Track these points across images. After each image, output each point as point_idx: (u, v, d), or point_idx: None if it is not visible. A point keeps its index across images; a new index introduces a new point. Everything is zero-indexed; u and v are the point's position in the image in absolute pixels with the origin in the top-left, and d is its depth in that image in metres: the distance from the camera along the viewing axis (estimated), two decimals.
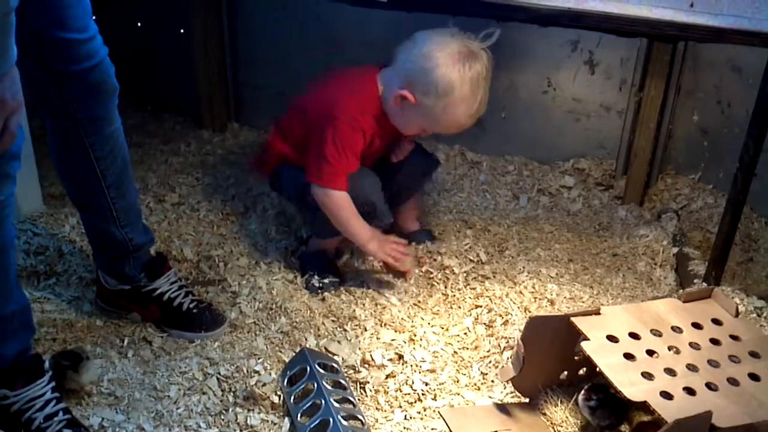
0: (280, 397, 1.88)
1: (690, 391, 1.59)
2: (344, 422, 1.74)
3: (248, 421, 1.82)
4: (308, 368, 1.88)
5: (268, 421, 1.83)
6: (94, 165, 1.87)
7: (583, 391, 1.74)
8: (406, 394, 1.93)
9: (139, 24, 3.20)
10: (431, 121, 2.15)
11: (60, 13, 1.66)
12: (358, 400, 1.90)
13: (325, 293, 2.25)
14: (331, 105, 2.15)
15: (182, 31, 3.09)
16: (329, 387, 1.84)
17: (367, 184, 2.23)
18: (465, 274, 2.37)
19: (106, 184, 1.91)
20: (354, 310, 2.19)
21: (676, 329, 1.78)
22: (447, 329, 2.16)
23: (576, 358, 1.86)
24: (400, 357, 2.03)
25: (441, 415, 1.81)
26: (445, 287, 2.31)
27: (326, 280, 2.28)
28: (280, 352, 2.04)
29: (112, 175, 1.91)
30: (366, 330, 2.13)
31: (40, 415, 1.71)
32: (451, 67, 2.04)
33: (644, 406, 1.56)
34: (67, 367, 1.83)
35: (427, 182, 2.67)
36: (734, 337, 1.78)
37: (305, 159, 2.20)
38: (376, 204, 2.24)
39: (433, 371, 2.00)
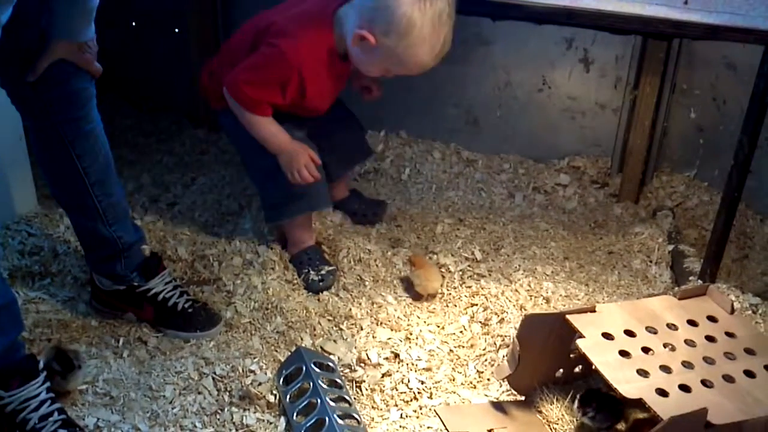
0: (275, 396, 1.88)
1: (685, 388, 1.59)
2: (340, 421, 1.74)
3: (244, 421, 1.82)
4: (304, 367, 1.88)
5: (263, 420, 1.83)
6: (76, 163, 1.87)
7: (576, 407, 1.72)
8: (402, 393, 1.93)
9: (133, 23, 3.19)
10: (393, 61, 2.05)
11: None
12: (354, 399, 1.90)
13: (324, 290, 2.25)
14: (276, 31, 2.06)
15: (177, 30, 3.08)
16: (325, 386, 1.84)
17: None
18: (460, 273, 2.37)
19: (90, 182, 1.90)
20: (350, 309, 2.19)
21: (672, 326, 1.78)
22: (443, 327, 2.16)
23: (572, 355, 1.86)
24: (396, 356, 2.02)
25: (437, 414, 1.81)
26: (441, 286, 2.31)
27: (323, 272, 2.28)
28: (276, 351, 2.03)
29: (95, 173, 1.90)
30: (362, 329, 2.12)
31: (35, 415, 1.70)
32: (412, 5, 1.94)
33: (640, 404, 1.56)
34: (56, 372, 1.83)
35: (356, 168, 2.66)
36: (729, 334, 1.78)
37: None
38: (321, 188, 2.23)
39: (429, 370, 2.00)
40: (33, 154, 2.42)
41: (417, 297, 2.27)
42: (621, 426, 1.77)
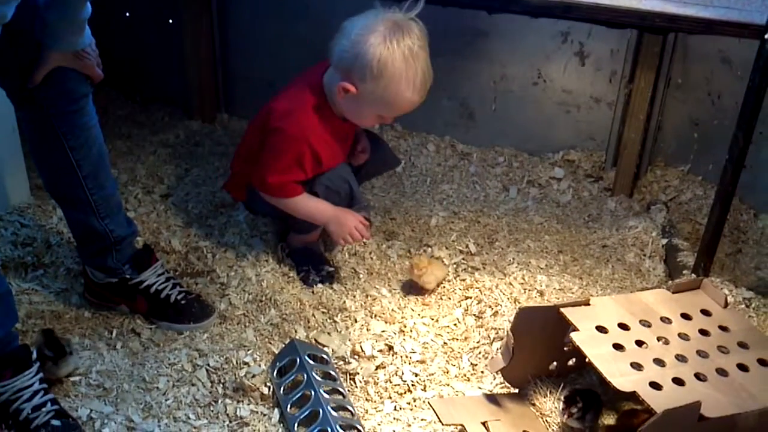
0: (269, 388, 1.88)
1: (679, 381, 1.60)
2: (334, 413, 1.74)
3: (238, 413, 1.82)
4: (298, 359, 1.88)
5: (257, 412, 1.83)
6: (69, 155, 1.86)
7: (562, 410, 1.72)
8: (396, 385, 1.93)
9: (128, 14, 3.17)
10: (379, 105, 2.09)
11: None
12: (348, 391, 1.90)
13: (319, 285, 2.25)
14: (276, 116, 2.13)
15: (171, 21, 3.06)
16: (319, 378, 1.84)
17: (341, 170, 2.23)
18: (455, 266, 2.37)
19: (83, 174, 1.89)
20: (344, 302, 2.19)
21: (665, 320, 1.78)
22: (437, 320, 2.16)
23: (565, 348, 1.87)
24: (390, 348, 2.02)
25: (431, 406, 1.81)
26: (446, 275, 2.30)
27: (324, 273, 2.28)
28: (270, 343, 2.03)
29: (88, 166, 1.89)
30: (356, 321, 2.12)
31: (28, 405, 1.70)
32: (380, 45, 1.98)
33: (633, 397, 1.56)
34: (48, 358, 1.82)
35: (384, 172, 2.70)
36: (723, 328, 1.78)
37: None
38: (352, 186, 2.24)
39: (423, 362, 2.00)
40: (26, 145, 2.42)
41: (422, 291, 2.27)
42: (611, 417, 1.78)
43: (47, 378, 1.80)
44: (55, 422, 1.70)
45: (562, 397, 1.73)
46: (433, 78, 2.08)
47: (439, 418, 1.70)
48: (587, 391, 1.74)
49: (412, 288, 2.28)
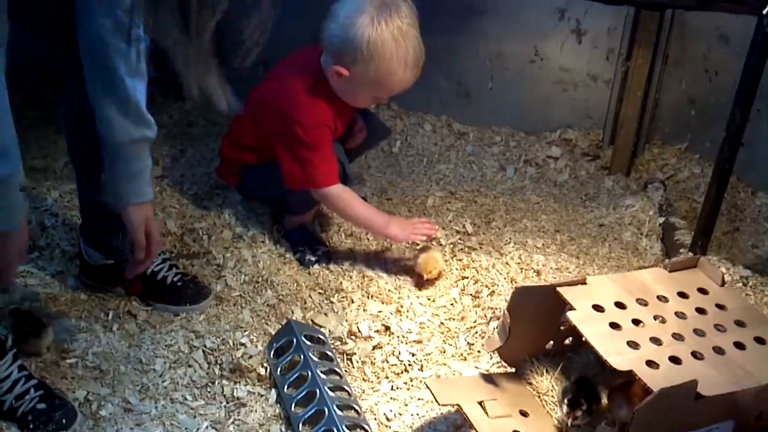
0: (266, 369, 1.88)
1: (676, 360, 1.59)
2: (331, 393, 1.74)
3: (235, 393, 1.82)
4: (295, 340, 1.88)
5: (254, 393, 1.83)
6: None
7: (566, 413, 1.69)
8: (392, 365, 1.93)
9: None
10: (373, 86, 2.09)
11: None
12: (345, 371, 1.90)
13: (316, 266, 2.24)
14: (288, 108, 2.12)
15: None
16: (316, 359, 1.84)
17: (335, 149, 2.22)
18: (451, 246, 2.37)
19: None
20: (341, 283, 2.18)
21: (662, 299, 1.78)
22: (433, 300, 2.16)
23: (562, 327, 1.86)
24: (387, 328, 2.03)
25: (427, 386, 1.81)
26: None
27: (319, 252, 2.28)
28: (267, 324, 2.03)
29: None
30: (353, 302, 2.12)
31: (9, 396, 1.69)
32: (369, 27, 1.98)
33: (630, 375, 1.56)
34: (28, 332, 1.83)
35: (374, 146, 2.68)
36: (720, 306, 1.78)
37: (264, 158, 2.22)
38: (344, 163, 2.23)
39: (419, 342, 2.00)
40: (20, 126, 2.40)
41: (420, 282, 2.24)
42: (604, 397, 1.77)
43: (33, 353, 1.81)
44: (41, 406, 1.69)
45: (565, 401, 1.70)
46: (425, 55, 2.07)
47: (435, 398, 1.69)
48: (585, 383, 1.71)
49: (415, 278, 2.25)
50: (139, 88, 1.68)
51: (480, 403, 1.71)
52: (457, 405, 1.70)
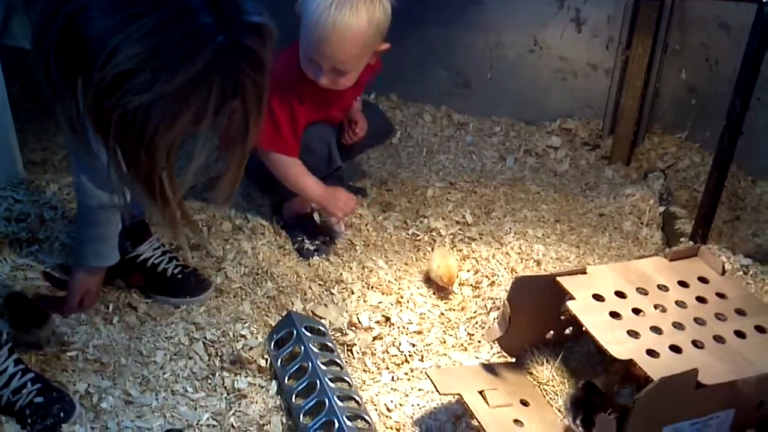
0: (267, 360, 1.88)
1: (676, 348, 1.59)
2: (331, 384, 1.74)
3: (235, 385, 1.82)
4: (295, 331, 1.88)
5: (255, 384, 1.83)
6: None
7: (573, 423, 1.69)
8: (393, 356, 1.93)
9: None
10: (304, 45, 2.06)
11: None
12: (346, 362, 1.90)
13: (315, 257, 2.24)
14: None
15: None
16: (316, 350, 1.84)
17: (322, 129, 2.24)
18: (451, 236, 2.36)
19: None
20: (341, 274, 2.18)
21: (663, 288, 1.78)
22: (433, 291, 2.16)
23: (562, 317, 1.86)
24: (387, 319, 2.02)
25: (428, 376, 1.81)
26: (432, 249, 2.30)
27: (318, 242, 2.28)
28: (267, 316, 2.03)
29: None
30: (353, 293, 2.12)
31: (6, 391, 1.68)
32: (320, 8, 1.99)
33: (630, 364, 1.56)
34: (30, 322, 1.82)
35: (377, 144, 2.67)
36: (720, 295, 1.78)
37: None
38: (330, 146, 2.24)
39: (420, 333, 2.00)
40: (18, 120, 2.40)
41: (437, 287, 2.18)
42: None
43: (35, 343, 1.81)
44: (38, 399, 1.68)
45: (579, 419, 1.68)
46: (357, 29, 1.98)
47: (436, 387, 1.69)
48: (588, 403, 1.70)
49: (435, 285, 2.19)
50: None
51: (480, 392, 1.71)
52: (458, 394, 1.70)
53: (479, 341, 1.99)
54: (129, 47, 1.04)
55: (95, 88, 1.07)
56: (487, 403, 1.68)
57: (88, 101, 1.10)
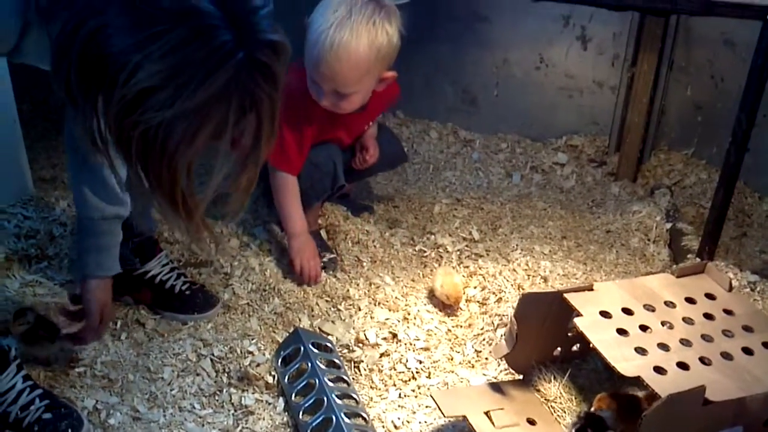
0: (274, 377, 1.88)
1: (683, 365, 1.59)
2: (338, 401, 1.74)
3: (242, 402, 1.82)
4: (302, 348, 1.88)
5: (262, 401, 1.83)
6: None
7: None
8: (400, 373, 1.93)
9: None
10: (309, 68, 2.06)
11: None
12: (353, 379, 1.90)
13: (322, 273, 2.24)
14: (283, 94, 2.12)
15: None
16: (323, 366, 1.84)
17: (329, 147, 2.25)
18: (458, 253, 2.37)
19: None
20: (348, 290, 2.19)
21: (670, 304, 1.78)
22: (440, 308, 2.16)
23: (569, 334, 1.86)
24: (394, 336, 2.03)
25: (432, 398, 1.81)
26: (439, 266, 2.30)
27: (326, 259, 2.28)
28: (274, 332, 2.03)
29: None
30: (360, 309, 2.12)
31: (15, 407, 1.68)
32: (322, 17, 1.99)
33: (638, 382, 1.56)
34: (43, 338, 1.82)
35: (388, 170, 2.67)
36: (728, 312, 1.78)
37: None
38: (336, 164, 2.24)
39: (427, 349, 2.00)
40: (29, 137, 2.41)
41: (443, 306, 2.18)
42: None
43: (46, 359, 1.82)
44: (46, 416, 1.68)
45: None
46: (354, 52, 1.98)
47: (440, 409, 1.69)
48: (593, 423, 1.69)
49: (440, 304, 2.18)
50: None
51: (486, 413, 1.71)
52: (463, 416, 1.70)
53: (486, 358, 1.99)
54: (151, 64, 1.05)
55: (117, 105, 1.08)
56: (493, 423, 1.67)
57: (109, 118, 1.11)
